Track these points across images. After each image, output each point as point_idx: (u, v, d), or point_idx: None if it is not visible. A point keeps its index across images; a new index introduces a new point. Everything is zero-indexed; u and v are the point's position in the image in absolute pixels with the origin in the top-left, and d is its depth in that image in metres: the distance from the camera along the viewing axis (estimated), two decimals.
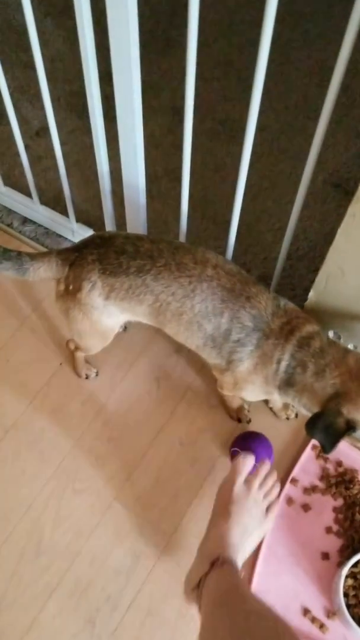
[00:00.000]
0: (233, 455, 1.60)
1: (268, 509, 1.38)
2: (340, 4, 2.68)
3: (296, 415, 1.72)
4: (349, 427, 1.18)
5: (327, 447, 1.22)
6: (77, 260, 1.39)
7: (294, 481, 1.63)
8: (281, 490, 1.61)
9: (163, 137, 2.34)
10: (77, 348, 1.68)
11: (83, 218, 2.05)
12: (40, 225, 2.12)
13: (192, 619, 1.46)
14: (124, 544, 1.56)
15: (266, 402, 1.73)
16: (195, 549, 1.51)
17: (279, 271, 1.63)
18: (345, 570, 1.41)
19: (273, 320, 1.32)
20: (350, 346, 1.52)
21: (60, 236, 2.09)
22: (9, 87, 1.63)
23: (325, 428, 1.20)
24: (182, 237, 1.69)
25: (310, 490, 1.62)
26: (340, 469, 1.65)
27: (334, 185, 2.19)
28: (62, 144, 1.70)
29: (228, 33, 2.69)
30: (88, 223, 2.03)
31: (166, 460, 1.68)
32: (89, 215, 2.10)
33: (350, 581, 1.43)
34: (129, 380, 1.81)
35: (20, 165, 1.88)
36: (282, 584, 1.50)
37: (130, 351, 1.85)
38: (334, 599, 1.43)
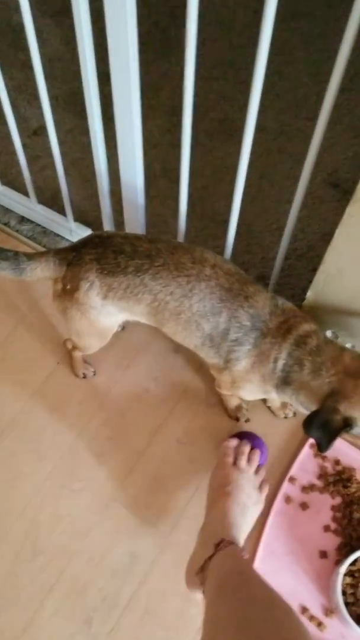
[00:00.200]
0: None
1: (261, 485, 1.45)
2: (340, 4, 2.68)
3: (294, 414, 1.72)
4: (346, 425, 1.18)
5: (323, 444, 1.21)
6: (74, 259, 1.39)
7: (292, 480, 1.63)
8: (279, 488, 1.61)
9: (162, 137, 2.34)
10: (74, 347, 1.68)
11: (81, 217, 2.05)
12: (37, 225, 2.11)
13: (190, 618, 1.47)
14: (122, 544, 1.56)
15: (264, 401, 1.73)
16: (192, 549, 1.52)
17: (277, 270, 1.63)
18: (344, 568, 1.42)
19: (271, 319, 1.32)
20: (348, 345, 1.52)
21: (57, 235, 2.09)
22: (7, 86, 1.63)
23: (322, 426, 1.20)
24: (181, 237, 1.69)
25: (309, 488, 1.62)
26: (339, 468, 1.65)
27: (333, 185, 2.19)
28: (60, 143, 1.70)
29: (227, 33, 2.69)
30: (86, 222, 2.03)
31: (164, 459, 1.68)
32: (87, 214, 2.10)
33: (348, 579, 1.43)
34: (127, 379, 1.81)
35: (18, 164, 1.88)
36: (280, 582, 1.50)
37: (128, 350, 1.85)
38: (332, 597, 1.43)
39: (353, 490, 1.60)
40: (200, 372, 1.80)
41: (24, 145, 1.82)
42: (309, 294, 1.50)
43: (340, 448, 1.67)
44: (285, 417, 1.73)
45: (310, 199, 2.12)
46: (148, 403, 1.77)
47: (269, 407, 1.74)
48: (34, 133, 2.36)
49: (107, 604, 1.49)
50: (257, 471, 1.49)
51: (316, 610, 1.47)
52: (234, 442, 1.54)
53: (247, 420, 1.72)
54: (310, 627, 1.45)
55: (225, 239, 1.60)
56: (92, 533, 1.58)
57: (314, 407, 1.26)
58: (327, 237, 1.33)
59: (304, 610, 1.47)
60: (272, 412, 1.73)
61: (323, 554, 1.54)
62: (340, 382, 1.22)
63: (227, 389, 1.51)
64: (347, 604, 1.40)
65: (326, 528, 1.58)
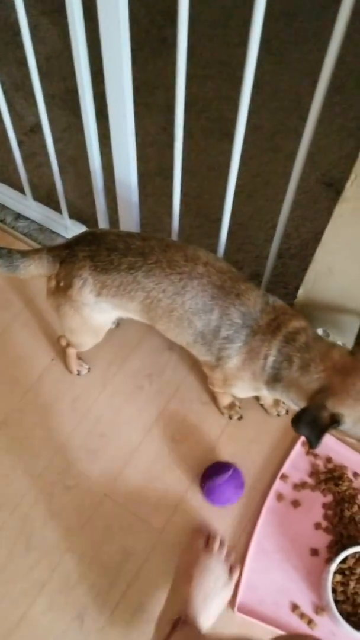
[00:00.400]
0: (203, 491, 1.62)
1: (231, 569, 1.41)
2: (334, 4, 2.69)
3: (287, 412, 1.73)
4: (333, 421, 1.19)
5: (312, 441, 1.22)
6: (68, 257, 1.39)
7: (284, 477, 1.63)
8: (271, 486, 1.62)
9: (157, 135, 2.34)
10: (68, 344, 1.68)
11: (76, 215, 2.06)
12: (33, 222, 2.12)
13: None
14: (114, 541, 1.57)
15: (257, 398, 1.74)
16: (184, 546, 1.53)
17: (270, 269, 1.64)
18: (334, 566, 1.42)
19: (261, 316, 1.32)
20: (338, 343, 1.53)
21: (53, 232, 2.09)
22: (4, 83, 1.63)
23: (310, 422, 1.21)
24: (175, 235, 1.69)
25: (300, 486, 1.63)
26: (330, 466, 1.66)
27: (327, 184, 2.19)
28: (57, 140, 1.71)
29: (223, 32, 2.70)
30: (81, 220, 2.04)
31: (157, 456, 1.68)
32: (82, 212, 2.11)
33: (338, 577, 1.44)
34: (121, 376, 1.82)
35: (14, 161, 1.89)
36: (271, 580, 1.51)
37: (122, 348, 1.86)
38: (323, 594, 1.44)
39: (344, 488, 1.61)
40: (194, 370, 1.81)
41: (21, 143, 1.83)
42: (300, 292, 1.51)
43: (332, 446, 1.67)
44: (278, 415, 1.73)
45: (304, 198, 2.13)
46: (141, 400, 1.78)
47: (261, 405, 1.74)
48: (30, 130, 2.37)
49: (100, 600, 1.49)
50: (227, 555, 1.44)
51: (307, 608, 1.48)
52: (206, 527, 1.51)
53: (239, 418, 1.73)
54: (301, 625, 1.45)
55: (219, 236, 1.61)
56: (85, 529, 1.58)
57: (303, 404, 1.26)
58: (320, 237, 1.34)
59: (295, 607, 1.48)
60: (265, 409, 1.74)
61: (314, 552, 1.55)
62: (329, 378, 1.23)
63: (219, 387, 1.52)
64: (337, 602, 1.41)
65: (317, 526, 1.58)
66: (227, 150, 1.35)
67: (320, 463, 1.66)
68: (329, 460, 1.67)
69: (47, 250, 1.42)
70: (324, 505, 1.61)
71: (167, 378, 1.81)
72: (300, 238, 2.06)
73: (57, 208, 2.01)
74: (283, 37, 2.64)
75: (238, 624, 1.45)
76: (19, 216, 2.13)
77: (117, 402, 1.77)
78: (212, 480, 1.57)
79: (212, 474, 1.59)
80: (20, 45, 1.46)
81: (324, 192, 2.18)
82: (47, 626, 1.46)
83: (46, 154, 1.76)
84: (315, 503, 1.61)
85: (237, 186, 1.43)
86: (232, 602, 1.47)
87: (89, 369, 1.82)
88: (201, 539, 1.45)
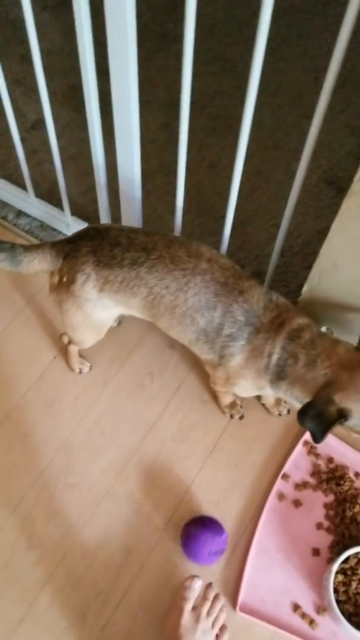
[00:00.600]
0: (184, 548, 1.53)
1: (218, 637, 1.36)
2: (335, 1, 2.68)
3: (288, 412, 1.72)
4: (341, 416, 1.18)
5: (317, 435, 1.21)
6: (71, 252, 1.38)
7: (285, 477, 1.63)
8: (272, 486, 1.61)
9: (158, 132, 2.33)
10: (70, 342, 1.68)
11: (78, 212, 2.05)
12: (34, 219, 2.11)
13: None
14: (116, 539, 1.56)
15: (258, 398, 1.73)
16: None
17: (272, 267, 1.64)
18: (336, 566, 1.42)
19: (264, 314, 1.32)
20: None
21: (54, 229, 2.08)
22: (5, 79, 1.62)
23: (317, 416, 1.20)
24: (177, 232, 1.69)
25: (302, 486, 1.62)
26: (332, 465, 1.65)
27: (328, 182, 2.19)
28: (58, 137, 1.70)
29: (224, 28, 2.69)
30: (83, 217, 2.03)
31: (158, 455, 1.68)
32: (83, 209, 2.10)
33: (340, 577, 1.43)
34: (123, 374, 1.81)
35: (16, 158, 1.88)
36: (273, 580, 1.51)
37: (123, 346, 1.85)
38: (325, 594, 1.43)
39: (346, 488, 1.61)
40: (195, 369, 1.80)
41: (22, 140, 1.82)
42: (305, 289, 1.50)
43: (334, 446, 1.67)
44: (280, 415, 1.73)
45: (306, 196, 2.12)
46: (143, 399, 1.77)
47: (263, 405, 1.74)
48: (32, 127, 2.36)
49: (101, 598, 1.49)
50: (215, 621, 1.37)
51: (308, 608, 1.47)
52: (197, 584, 1.39)
53: (241, 417, 1.72)
54: (302, 625, 1.45)
55: (222, 234, 1.60)
56: (87, 527, 1.57)
57: (308, 400, 1.26)
58: (322, 234, 1.33)
59: (296, 607, 1.47)
60: (267, 409, 1.73)
61: (315, 552, 1.54)
62: (336, 373, 1.22)
63: (221, 386, 1.51)
64: (339, 602, 1.41)
65: (319, 526, 1.58)
66: (228, 147, 1.35)
67: (321, 463, 1.66)
68: (330, 460, 1.66)
69: (50, 245, 1.41)
70: (326, 505, 1.61)
71: (168, 377, 1.80)
72: (302, 236, 2.05)
73: (58, 205, 2.01)
74: (285, 34, 2.63)
75: (239, 623, 1.44)
76: (20, 213, 2.13)
77: (119, 400, 1.77)
78: (191, 544, 1.51)
79: (191, 534, 1.52)
80: (20, 41, 1.46)
81: (326, 190, 2.17)
82: (49, 624, 1.45)
83: (48, 151, 1.75)
84: (317, 503, 1.61)
85: (239, 184, 1.42)
86: (233, 601, 1.47)
87: (91, 367, 1.81)
88: (189, 600, 1.36)
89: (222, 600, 1.40)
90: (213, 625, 1.36)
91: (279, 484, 1.62)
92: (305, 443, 1.68)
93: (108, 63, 1.34)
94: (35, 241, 2.06)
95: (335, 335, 1.32)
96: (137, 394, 1.78)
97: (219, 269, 1.34)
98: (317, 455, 1.67)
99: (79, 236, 1.42)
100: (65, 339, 1.71)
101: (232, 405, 1.71)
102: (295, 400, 1.31)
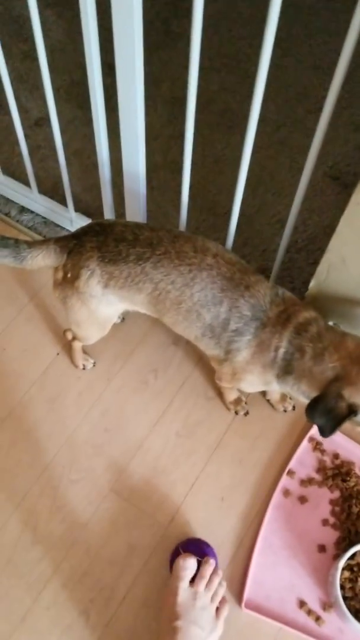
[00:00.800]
0: (172, 565, 1.47)
1: (218, 610, 1.36)
2: None
3: (293, 408, 1.72)
4: (351, 411, 1.17)
5: (327, 431, 1.20)
6: (75, 247, 1.38)
7: (290, 473, 1.62)
8: (278, 482, 1.61)
9: (163, 128, 2.33)
10: (74, 338, 1.67)
11: (82, 208, 2.04)
12: (38, 215, 2.10)
13: None
14: (120, 535, 1.56)
15: (264, 394, 1.73)
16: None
17: (278, 263, 1.63)
18: (342, 562, 1.41)
19: (271, 308, 1.31)
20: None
21: (58, 226, 2.08)
22: (8, 76, 1.62)
23: (326, 412, 1.19)
24: (182, 229, 1.68)
25: (307, 482, 1.61)
26: (337, 462, 1.64)
27: (333, 178, 2.18)
28: (61, 133, 1.69)
29: (228, 25, 2.68)
30: (87, 213, 2.02)
31: (163, 451, 1.67)
32: (87, 205, 2.09)
33: (346, 573, 1.43)
34: (127, 371, 1.80)
35: (19, 154, 1.87)
36: (278, 576, 1.50)
37: (127, 342, 1.85)
38: (331, 591, 1.43)
39: (352, 484, 1.60)
40: (200, 365, 1.80)
41: (25, 136, 1.81)
42: (312, 284, 1.49)
43: (340, 442, 1.66)
44: (285, 411, 1.72)
45: (311, 191, 2.11)
46: (147, 395, 1.76)
47: (268, 401, 1.73)
48: (35, 124, 2.35)
49: (105, 595, 1.48)
50: (214, 596, 1.37)
51: (314, 605, 1.47)
52: (191, 563, 1.38)
53: (246, 414, 1.71)
54: (308, 622, 1.44)
55: (227, 230, 1.60)
56: (91, 524, 1.57)
57: (315, 394, 1.25)
58: (327, 230, 1.32)
59: (302, 604, 1.46)
60: (272, 405, 1.73)
61: (321, 548, 1.54)
62: (345, 367, 1.21)
63: (227, 381, 1.50)
64: (345, 598, 1.40)
65: (325, 522, 1.57)
66: (233, 143, 1.34)
67: (327, 459, 1.65)
68: (336, 456, 1.65)
69: (54, 240, 1.41)
70: (331, 502, 1.60)
71: (172, 373, 1.80)
72: (307, 232, 2.04)
73: (62, 201, 2.00)
74: (290, 30, 2.63)
75: (244, 620, 1.44)
76: (23, 209, 2.12)
77: (122, 397, 1.76)
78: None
79: (184, 547, 1.50)
80: (24, 39, 1.45)
81: (331, 186, 2.16)
82: (52, 621, 1.45)
83: (51, 147, 1.75)
84: (323, 499, 1.60)
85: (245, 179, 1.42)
86: (239, 598, 1.46)
87: (94, 363, 1.80)
88: (184, 579, 1.36)
89: (220, 575, 1.40)
90: (212, 600, 1.36)
91: (284, 480, 1.61)
92: (311, 439, 1.67)
93: (113, 59, 1.34)
94: (39, 238, 2.06)
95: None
96: (141, 390, 1.77)
97: (225, 264, 1.33)
98: (322, 452, 1.66)
99: (83, 232, 1.41)
100: (69, 335, 1.71)
101: (237, 401, 1.70)
102: (302, 396, 1.30)
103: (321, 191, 2.15)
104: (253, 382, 1.42)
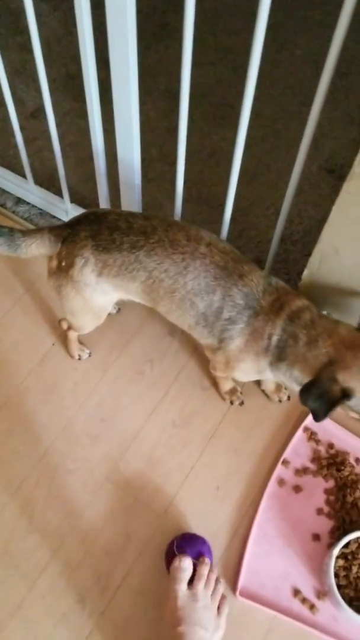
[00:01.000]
0: (168, 565, 1.47)
1: (219, 608, 1.36)
2: None
3: (288, 398, 1.72)
4: (344, 395, 1.18)
5: (320, 414, 1.21)
6: (69, 236, 1.38)
7: (285, 462, 1.63)
8: (272, 471, 1.61)
9: (158, 121, 2.33)
10: (69, 327, 1.67)
11: (77, 199, 2.05)
12: (33, 206, 2.11)
13: None
14: (115, 524, 1.56)
15: (259, 384, 1.73)
16: (185, 530, 1.52)
17: (272, 253, 1.63)
18: (337, 550, 1.42)
19: (264, 297, 1.31)
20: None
21: (53, 217, 2.08)
22: (5, 69, 1.62)
23: (320, 395, 1.20)
24: (177, 219, 1.68)
25: (302, 471, 1.62)
26: (332, 451, 1.65)
27: (329, 171, 2.18)
28: (57, 125, 1.70)
29: (225, 19, 2.68)
30: (82, 205, 2.03)
31: (159, 441, 1.68)
32: (83, 196, 2.10)
33: (341, 562, 1.43)
34: (122, 361, 1.81)
35: (15, 146, 1.88)
36: (273, 565, 1.51)
37: (123, 333, 1.85)
38: (325, 579, 1.43)
39: (346, 473, 1.61)
40: (195, 356, 1.80)
41: (21, 127, 1.82)
42: (305, 274, 1.49)
43: (334, 432, 1.67)
44: (280, 401, 1.73)
45: (306, 184, 2.12)
46: (143, 385, 1.77)
47: (263, 391, 1.74)
48: (31, 115, 2.35)
49: (101, 584, 1.49)
50: (214, 594, 1.37)
51: (308, 593, 1.47)
52: (187, 564, 1.38)
53: (241, 404, 1.72)
54: (303, 610, 1.45)
55: (222, 222, 1.60)
56: (86, 513, 1.57)
57: (308, 379, 1.25)
58: (323, 222, 1.33)
59: (297, 592, 1.47)
60: (267, 395, 1.73)
61: (316, 537, 1.54)
62: (338, 352, 1.21)
63: (221, 371, 1.51)
64: (339, 587, 1.40)
65: (319, 511, 1.58)
66: (228, 136, 1.35)
67: (322, 449, 1.66)
68: (330, 446, 1.66)
69: (48, 229, 1.41)
70: (326, 491, 1.60)
71: (168, 363, 1.80)
72: (302, 224, 2.05)
73: (57, 193, 2.00)
74: (285, 24, 2.63)
75: (239, 608, 1.44)
76: (19, 201, 2.12)
77: (118, 387, 1.77)
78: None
79: (179, 548, 1.48)
80: (20, 31, 1.46)
81: (326, 179, 2.17)
82: (48, 609, 1.46)
83: (47, 139, 1.75)
84: (317, 488, 1.61)
85: (239, 172, 1.42)
86: (233, 586, 1.47)
87: (90, 353, 1.81)
88: (182, 582, 1.36)
89: (216, 572, 1.41)
90: (212, 598, 1.36)
91: (279, 469, 1.62)
92: (306, 429, 1.68)
93: (108, 51, 1.34)
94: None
95: None
96: (137, 380, 1.78)
97: (219, 253, 1.34)
98: (317, 441, 1.66)
99: (77, 221, 1.41)
100: (65, 325, 1.71)
101: (232, 391, 1.71)
102: (295, 382, 1.30)
103: (317, 184, 2.15)
104: (247, 370, 1.42)
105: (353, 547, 1.45)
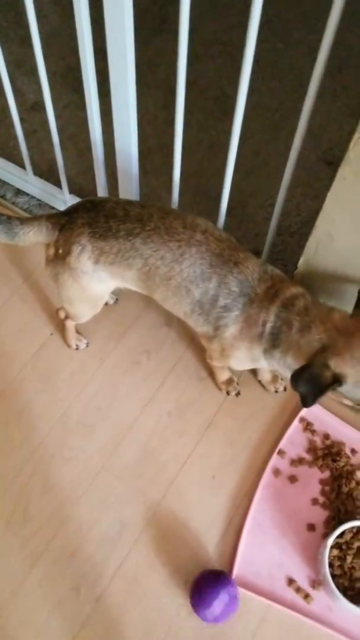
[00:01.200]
0: (193, 605, 1.43)
1: None
2: None
3: (285, 389, 1.72)
4: (335, 381, 1.18)
5: (309, 399, 1.21)
6: (67, 224, 1.39)
7: (281, 453, 1.63)
8: (268, 461, 1.62)
9: (158, 113, 2.33)
10: (67, 316, 1.68)
11: (76, 190, 2.05)
12: (33, 197, 2.11)
13: (176, 585, 1.47)
14: (111, 513, 1.57)
15: (255, 375, 1.74)
16: (181, 520, 1.52)
17: (269, 243, 1.64)
18: (331, 540, 1.42)
19: (259, 284, 1.32)
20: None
21: (53, 208, 2.08)
22: (6, 61, 1.63)
23: (311, 380, 1.20)
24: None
25: (297, 462, 1.62)
26: (328, 442, 1.65)
27: (327, 163, 2.18)
28: (57, 117, 1.70)
29: (225, 12, 2.68)
30: (81, 195, 2.03)
31: (154, 430, 1.68)
32: (82, 188, 2.10)
33: (335, 551, 1.44)
34: (119, 351, 1.81)
35: (15, 137, 1.88)
36: (267, 554, 1.51)
37: (120, 323, 1.85)
38: (320, 568, 1.44)
39: (342, 464, 1.61)
40: (192, 346, 1.80)
41: (22, 120, 1.83)
42: (301, 262, 1.49)
43: (330, 422, 1.67)
44: (276, 392, 1.73)
45: (305, 176, 2.12)
46: (139, 375, 1.77)
47: (259, 382, 1.74)
48: (31, 108, 2.36)
49: (96, 571, 1.49)
50: None
51: (303, 583, 1.48)
52: None
53: (237, 394, 1.72)
54: (297, 599, 1.45)
55: (218, 214, 1.60)
56: (82, 501, 1.58)
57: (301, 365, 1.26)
58: None
59: (291, 582, 1.48)
60: (263, 386, 1.74)
61: (311, 527, 1.55)
62: (331, 338, 1.22)
63: (217, 359, 1.51)
64: (334, 576, 1.41)
65: (314, 501, 1.58)
66: (227, 128, 1.35)
67: (317, 439, 1.66)
68: (326, 436, 1.66)
69: (46, 217, 1.42)
70: (321, 481, 1.61)
71: (164, 354, 1.81)
72: (300, 216, 2.05)
73: (57, 184, 2.01)
74: (286, 18, 2.63)
75: None
76: (19, 192, 2.13)
77: (115, 377, 1.77)
78: (200, 597, 1.42)
79: (202, 587, 1.43)
80: (22, 25, 1.46)
81: (325, 170, 2.17)
82: (43, 597, 1.46)
83: (47, 131, 1.75)
84: (313, 479, 1.61)
85: (237, 164, 1.42)
86: (228, 575, 1.47)
87: (88, 343, 1.81)
88: None
89: None
90: None
91: (275, 460, 1.62)
92: (302, 420, 1.68)
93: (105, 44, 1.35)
94: None
95: None
96: (133, 370, 1.78)
97: (215, 241, 1.34)
98: (313, 432, 1.67)
99: (74, 209, 1.42)
100: (62, 314, 1.71)
101: (229, 382, 1.71)
102: (288, 370, 1.30)
103: (315, 175, 2.15)
104: (241, 358, 1.42)
105: (348, 536, 1.45)
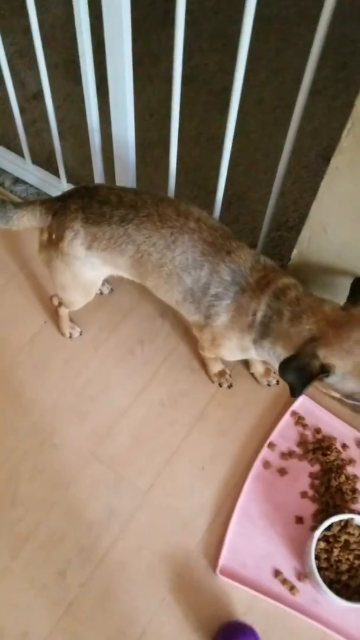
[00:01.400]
0: None
1: None
2: None
3: (277, 382, 1.73)
4: (323, 371, 1.18)
5: (297, 388, 1.21)
6: (60, 209, 1.39)
7: (271, 445, 1.63)
8: (258, 454, 1.62)
9: (159, 106, 2.33)
10: (60, 304, 1.68)
11: (74, 180, 2.06)
12: (31, 186, 2.12)
13: (162, 574, 1.47)
14: (99, 499, 1.57)
15: (248, 367, 1.74)
16: (169, 508, 1.52)
17: (264, 234, 1.64)
18: (318, 532, 1.42)
19: (251, 274, 1.32)
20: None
21: (50, 197, 2.09)
22: (9, 51, 1.63)
23: (299, 369, 1.20)
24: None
25: (288, 455, 1.63)
26: (319, 436, 1.65)
27: (327, 159, 2.17)
28: (58, 108, 1.72)
29: (227, 6, 2.68)
30: (78, 184, 2.03)
31: (146, 419, 1.69)
32: (80, 177, 2.10)
33: (322, 544, 1.44)
34: (113, 341, 1.82)
35: (15, 127, 1.89)
36: (255, 545, 1.51)
37: (115, 313, 1.86)
38: (306, 561, 1.44)
39: (332, 458, 1.61)
40: (185, 338, 1.81)
41: (22, 109, 1.84)
42: (294, 253, 1.49)
43: (322, 417, 1.67)
44: (269, 385, 1.73)
45: (303, 172, 2.12)
46: (132, 365, 1.78)
47: (252, 374, 1.74)
48: (33, 97, 2.36)
49: (82, 556, 1.50)
50: None
51: (289, 574, 1.48)
52: None
53: (229, 386, 1.73)
54: (283, 591, 1.46)
55: (214, 207, 1.61)
56: (71, 487, 1.59)
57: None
58: None
59: (278, 573, 1.48)
60: (256, 379, 1.74)
61: (299, 520, 1.55)
62: (321, 329, 1.21)
63: (208, 349, 1.51)
64: (320, 569, 1.41)
65: (303, 494, 1.59)
66: (227, 122, 1.35)
67: (309, 433, 1.66)
68: (318, 430, 1.66)
69: (40, 202, 1.42)
70: (311, 475, 1.61)
71: (158, 345, 1.81)
72: (298, 211, 2.05)
73: (55, 173, 2.02)
74: (287, 14, 2.63)
75: (219, 586, 1.46)
76: (17, 180, 2.14)
77: (108, 366, 1.78)
78: None
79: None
80: (26, 14, 1.47)
81: (324, 167, 2.15)
82: (28, 580, 1.47)
83: (47, 121, 1.76)
84: (302, 472, 1.61)
85: (238, 158, 1.43)
86: (214, 564, 1.47)
87: (81, 332, 1.82)
88: None
89: None
90: None
91: (265, 452, 1.63)
92: (294, 413, 1.68)
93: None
94: None
95: None
96: (127, 360, 1.78)
97: (208, 229, 1.34)
98: (304, 426, 1.67)
99: (69, 194, 1.43)
100: (56, 301, 1.72)
101: (221, 373, 1.72)
102: (277, 360, 1.30)
103: (314, 172, 2.15)
104: (231, 348, 1.42)
105: (335, 529, 1.45)
